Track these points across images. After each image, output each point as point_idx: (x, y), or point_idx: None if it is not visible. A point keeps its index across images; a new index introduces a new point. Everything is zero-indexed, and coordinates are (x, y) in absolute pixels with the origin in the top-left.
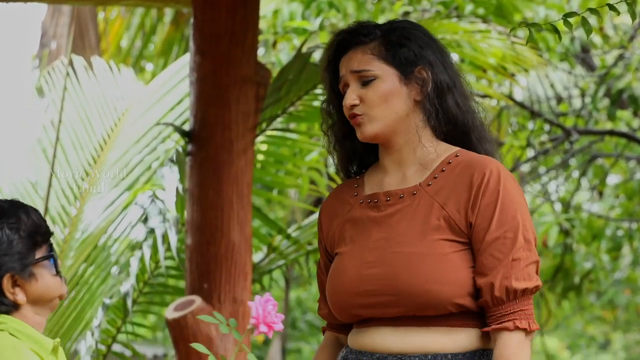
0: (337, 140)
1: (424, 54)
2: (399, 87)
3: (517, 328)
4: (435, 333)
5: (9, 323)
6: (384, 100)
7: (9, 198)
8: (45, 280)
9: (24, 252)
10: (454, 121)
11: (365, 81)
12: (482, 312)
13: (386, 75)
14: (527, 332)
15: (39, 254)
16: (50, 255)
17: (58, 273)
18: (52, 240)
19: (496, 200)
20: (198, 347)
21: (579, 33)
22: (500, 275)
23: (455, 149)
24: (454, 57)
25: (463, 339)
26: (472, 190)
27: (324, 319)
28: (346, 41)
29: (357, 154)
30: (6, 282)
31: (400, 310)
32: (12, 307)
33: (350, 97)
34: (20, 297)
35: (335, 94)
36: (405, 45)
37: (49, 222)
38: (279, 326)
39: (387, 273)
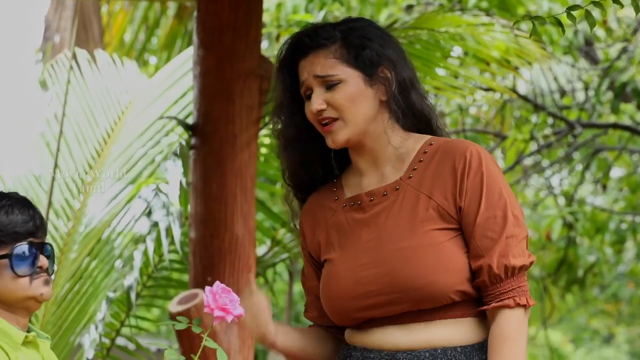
0: (288, 145)
1: (385, 52)
2: (364, 89)
3: (517, 305)
4: (441, 326)
5: None
6: (352, 102)
7: (11, 191)
8: (3, 281)
9: None
10: (419, 115)
11: (330, 85)
12: (480, 296)
13: (351, 79)
14: (525, 308)
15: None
16: (7, 255)
17: (31, 274)
18: (48, 237)
19: (481, 181)
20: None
21: (583, 26)
22: (497, 254)
23: (426, 137)
24: (457, 50)
25: (469, 330)
26: (457, 175)
27: (313, 321)
28: (305, 44)
29: (308, 159)
30: None
31: (403, 306)
32: None
33: (317, 102)
34: None
35: (292, 97)
36: (366, 46)
37: (52, 216)
38: (237, 310)
39: (384, 272)
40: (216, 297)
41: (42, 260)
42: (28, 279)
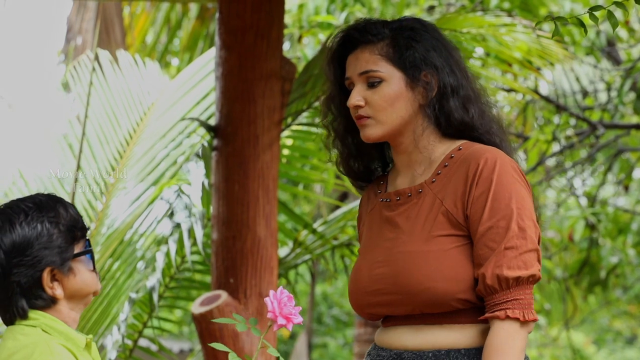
0: (338, 136)
1: (431, 56)
2: (404, 92)
3: (507, 317)
4: (447, 330)
5: (41, 319)
6: (390, 104)
7: (34, 191)
8: (82, 275)
9: (63, 247)
10: (457, 122)
11: (372, 82)
12: None
13: (393, 79)
14: (522, 322)
15: (77, 248)
16: (89, 251)
17: (94, 269)
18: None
19: (488, 189)
20: (218, 346)
21: (605, 27)
22: (492, 264)
23: (460, 142)
24: (479, 51)
25: (475, 335)
26: (468, 182)
27: None
28: (354, 38)
29: (360, 150)
30: (46, 276)
31: (407, 308)
32: (49, 302)
33: (355, 98)
34: (58, 291)
35: (340, 89)
36: (413, 47)
37: None
38: (298, 319)
39: (391, 272)
40: (281, 304)
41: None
42: (95, 274)
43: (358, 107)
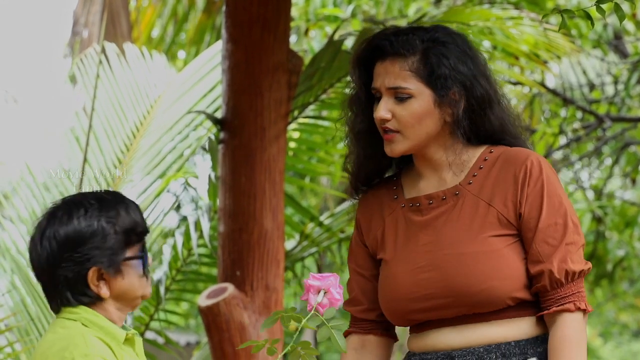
0: (356, 134)
1: (459, 74)
2: (432, 109)
3: (578, 309)
4: (495, 326)
5: (82, 314)
6: (417, 121)
7: (42, 185)
8: (131, 279)
9: (115, 249)
10: (485, 133)
11: (400, 97)
12: (536, 300)
13: (421, 96)
14: (585, 312)
15: (130, 252)
16: (141, 256)
17: (145, 274)
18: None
19: (542, 189)
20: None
21: (612, 20)
22: (558, 259)
23: (486, 144)
24: (486, 44)
25: (522, 327)
26: (518, 183)
27: (357, 315)
28: (384, 47)
29: (377, 152)
30: (92, 274)
31: (459, 310)
32: (95, 299)
33: (383, 111)
34: (103, 291)
35: (366, 92)
36: (443, 64)
37: None
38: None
39: (441, 276)
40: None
41: (149, 260)
42: (145, 278)
43: (385, 120)
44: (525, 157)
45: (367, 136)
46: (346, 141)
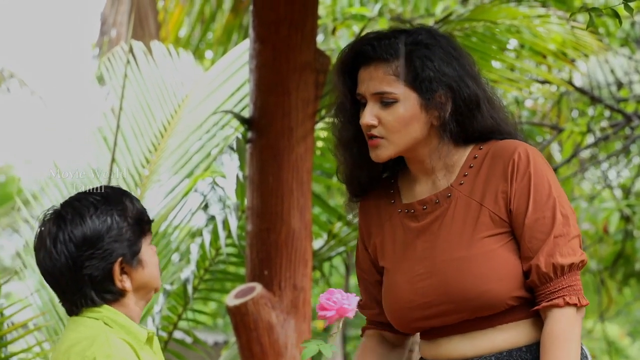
0: (344, 144)
1: (445, 76)
2: (418, 113)
3: (567, 304)
4: (503, 331)
5: (104, 312)
6: (404, 125)
7: (71, 185)
8: (150, 268)
9: (132, 240)
10: (474, 133)
11: (386, 102)
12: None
13: (407, 100)
14: (578, 307)
15: (145, 241)
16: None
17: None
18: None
19: (529, 182)
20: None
21: None
22: (545, 253)
23: (475, 143)
24: (513, 42)
25: (532, 330)
26: (507, 179)
27: (372, 319)
28: (367, 53)
29: (367, 159)
30: (117, 268)
31: (461, 315)
32: (118, 296)
33: (368, 117)
34: (127, 284)
35: (351, 99)
36: (427, 67)
37: None
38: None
39: (439, 282)
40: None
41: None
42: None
43: (371, 126)
44: (512, 150)
45: (355, 144)
46: (335, 152)
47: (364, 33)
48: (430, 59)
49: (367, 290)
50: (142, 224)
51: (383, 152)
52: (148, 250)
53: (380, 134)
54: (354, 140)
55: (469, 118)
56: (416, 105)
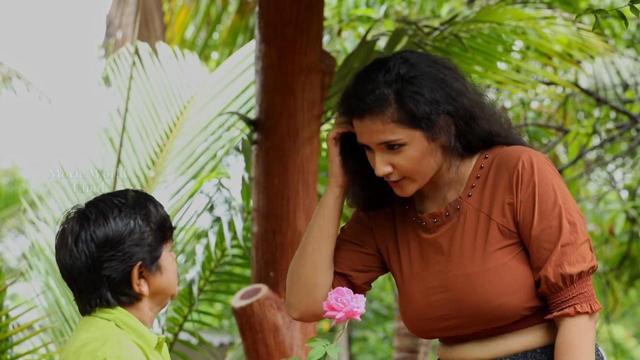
0: (354, 180)
1: (439, 101)
2: (428, 146)
3: (578, 313)
4: (518, 336)
5: (116, 314)
6: (417, 164)
7: (76, 185)
8: (169, 275)
9: (153, 245)
10: (477, 142)
11: (393, 147)
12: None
13: (413, 140)
14: (590, 314)
15: (166, 248)
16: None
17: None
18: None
19: (533, 192)
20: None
21: None
22: (553, 263)
23: (480, 151)
24: (519, 44)
25: (546, 333)
26: (512, 190)
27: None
28: (358, 107)
29: (372, 177)
30: (135, 272)
31: (475, 328)
32: (133, 299)
33: (382, 167)
34: (144, 289)
35: (347, 143)
36: (420, 102)
37: None
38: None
39: (453, 297)
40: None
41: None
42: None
43: (387, 174)
44: (516, 160)
45: (363, 178)
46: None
47: (369, 35)
48: (419, 93)
49: (349, 257)
50: (164, 230)
51: (408, 189)
52: (168, 257)
53: (399, 177)
54: (358, 173)
55: (469, 131)
56: (424, 141)
